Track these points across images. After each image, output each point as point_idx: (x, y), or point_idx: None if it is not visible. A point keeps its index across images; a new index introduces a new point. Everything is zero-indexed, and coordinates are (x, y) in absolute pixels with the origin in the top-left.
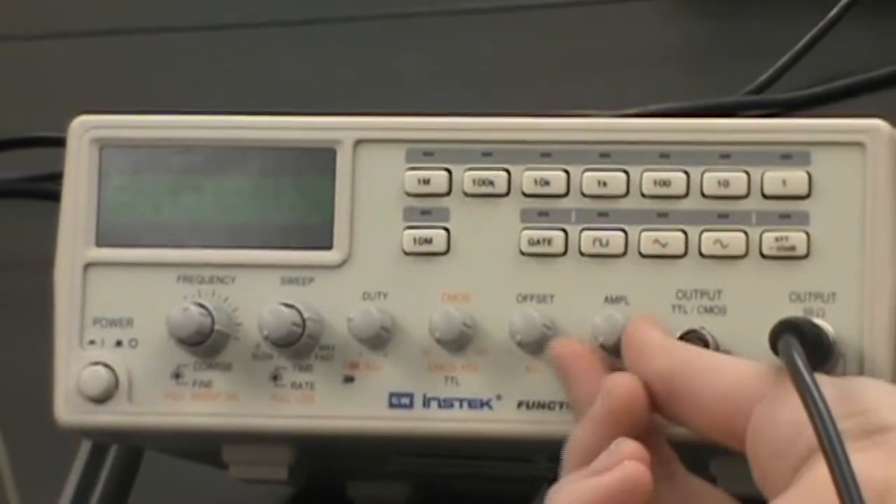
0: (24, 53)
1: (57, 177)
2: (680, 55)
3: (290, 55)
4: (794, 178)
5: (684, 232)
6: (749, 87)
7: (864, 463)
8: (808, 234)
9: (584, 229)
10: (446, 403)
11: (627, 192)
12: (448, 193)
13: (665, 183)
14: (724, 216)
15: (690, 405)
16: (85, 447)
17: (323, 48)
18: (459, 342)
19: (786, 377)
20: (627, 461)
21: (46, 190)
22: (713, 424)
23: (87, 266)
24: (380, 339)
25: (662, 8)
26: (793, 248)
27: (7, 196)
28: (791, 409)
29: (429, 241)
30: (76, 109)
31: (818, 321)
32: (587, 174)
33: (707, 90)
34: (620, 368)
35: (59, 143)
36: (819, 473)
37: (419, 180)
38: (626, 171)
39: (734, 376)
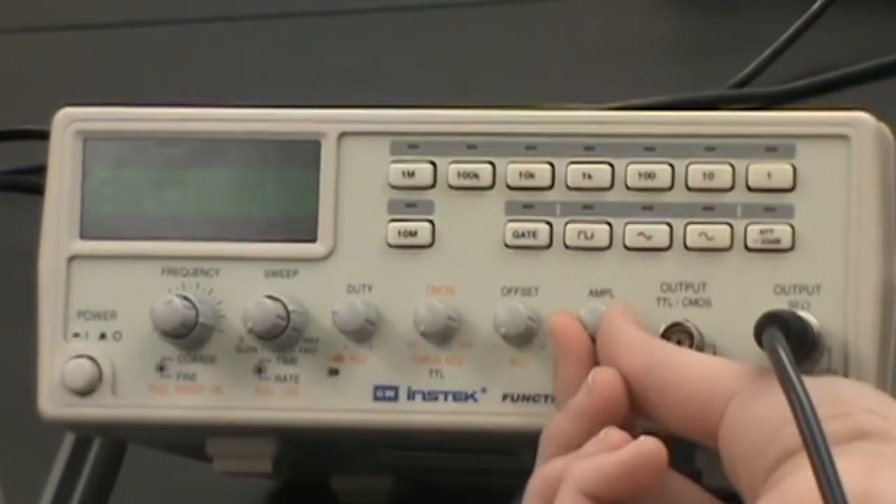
0: (9, 46)
1: (42, 170)
2: (664, 48)
3: (277, 48)
4: (779, 170)
5: (669, 225)
6: (733, 80)
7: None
8: (792, 226)
9: (568, 222)
10: (431, 396)
11: (612, 185)
12: (433, 186)
13: (650, 175)
14: (708, 209)
15: (663, 401)
16: (69, 440)
17: (312, 41)
18: (444, 335)
19: (760, 375)
20: (643, 437)
21: (32, 183)
22: (686, 421)
23: (71, 259)
24: (364, 332)
25: (647, 1)
26: (777, 241)
27: None
28: (765, 409)
29: (413, 233)
30: (62, 102)
31: (803, 314)
32: (572, 167)
33: (691, 83)
34: None
35: (45, 136)
36: (796, 482)
37: (404, 173)
38: (610, 164)
39: (708, 373)
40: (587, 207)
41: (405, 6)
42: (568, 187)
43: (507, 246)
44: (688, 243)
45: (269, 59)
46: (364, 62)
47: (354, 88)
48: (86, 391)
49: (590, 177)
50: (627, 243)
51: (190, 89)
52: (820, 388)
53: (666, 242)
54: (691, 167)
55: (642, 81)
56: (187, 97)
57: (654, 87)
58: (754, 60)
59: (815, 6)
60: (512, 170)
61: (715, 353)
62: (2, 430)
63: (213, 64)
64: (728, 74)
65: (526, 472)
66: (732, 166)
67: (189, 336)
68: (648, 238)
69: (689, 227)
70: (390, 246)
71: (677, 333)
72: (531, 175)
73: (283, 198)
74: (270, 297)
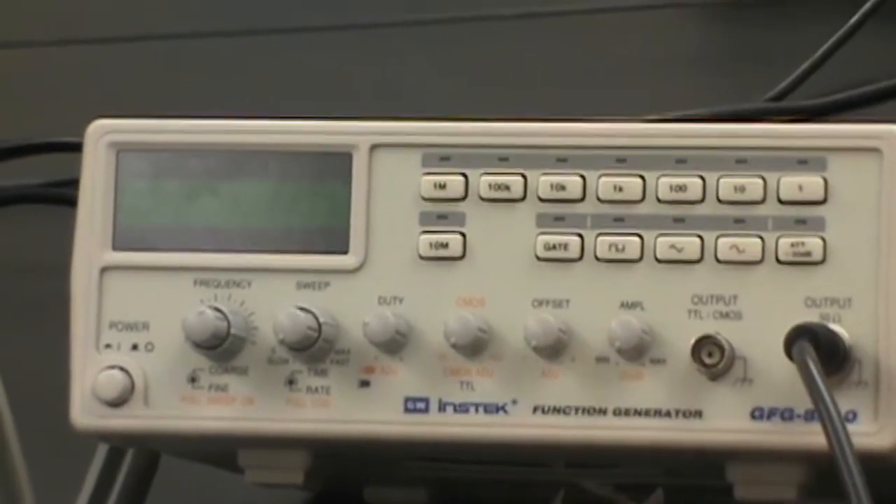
0: (41, 59)
1: (75, 182)
2: (701, 61)
3: (308, 61)
4: (811, 183)
5: (700, 237)
6: (770, 93)
7: None
8: (824, 239)
9: (599, 234)
10: (462, 408)
11: (643, 198)
12: (464, 198)
13: (681, 188)
14: (740, 221)
15: None
16: (101, 451)
17: (341, 54)
18: (475, 347)
19: None
20: None
21: (65, 195)
22: None
23: (104, 270)
24: (395, 344)
25: (684, 14)
26: (809, 254)
27: (25, 201)
28: None
29: (445, 245)
30: (94, 114)
31: (834, 327)
32: (603, 179)
33: (728, 96)
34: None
35: (77, 148)
36: None
37: (435, 185)
38: (642, 177)
39: None
40: (618, 220)
41: (438, 19)
42: (599, 200)
43: (538, 258)
44: (719, 256)
45: (301, 72)
46: (395, 75)
47: (386, 101)
48: (118, 402)
49: (621, 189)
50: (658, 256)
51: (220, 101)
52: None
53: (697, 255)
54: (722, 180)
55: (680, 94)
56: (218, 109)
57: (691, 99)
58: (792, 73)
59: (854, 19)
60: (543, 182)
61: (745, 365)
62: (35, 440)
63: (243, 76)
64: (766, 87)
65: (557, 484)
66: (764, 179)
67: (221, 347)
68: (679, 251)
69: (721, 240)
70: (421, 258)
71: (708, 346)
72: (562, 187)
73: (315, 209)
74: (302, 309)
